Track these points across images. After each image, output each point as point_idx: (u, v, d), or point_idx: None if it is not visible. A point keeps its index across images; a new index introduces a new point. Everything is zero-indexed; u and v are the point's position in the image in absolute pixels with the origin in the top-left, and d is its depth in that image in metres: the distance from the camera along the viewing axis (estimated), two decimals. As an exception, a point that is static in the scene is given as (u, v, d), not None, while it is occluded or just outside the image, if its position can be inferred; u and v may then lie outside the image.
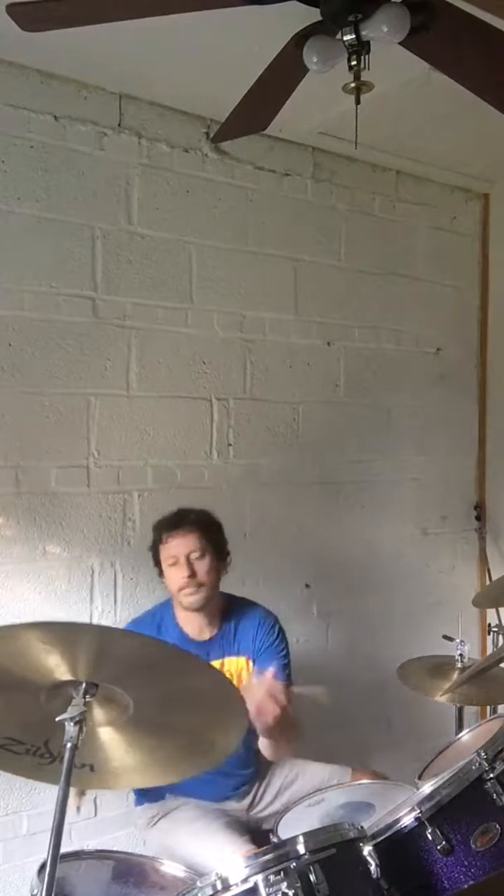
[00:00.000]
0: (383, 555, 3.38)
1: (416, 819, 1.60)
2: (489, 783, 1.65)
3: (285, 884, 1.42)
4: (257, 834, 2.25)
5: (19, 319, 2.51)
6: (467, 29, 1.62)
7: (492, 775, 1.65)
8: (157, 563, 2.35)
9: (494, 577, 3.44)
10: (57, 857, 1.32)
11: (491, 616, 3.40)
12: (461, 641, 2.54)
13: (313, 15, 1.58)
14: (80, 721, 1.38)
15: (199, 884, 1.49)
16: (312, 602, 3.16)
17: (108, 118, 2.67)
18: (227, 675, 2.22)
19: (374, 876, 1.50)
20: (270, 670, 2.06)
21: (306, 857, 1.46)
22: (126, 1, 1.62)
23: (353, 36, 1.54)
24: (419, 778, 2.16)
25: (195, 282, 2.87)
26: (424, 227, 3.52)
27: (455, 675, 2.44)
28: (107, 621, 2.64)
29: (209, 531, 2.33)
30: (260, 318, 3.03)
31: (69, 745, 1.36)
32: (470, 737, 2.33)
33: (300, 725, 2.15)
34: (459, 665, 2.50)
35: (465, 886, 1.55)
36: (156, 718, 1.50)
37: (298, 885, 1.42)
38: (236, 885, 1.44)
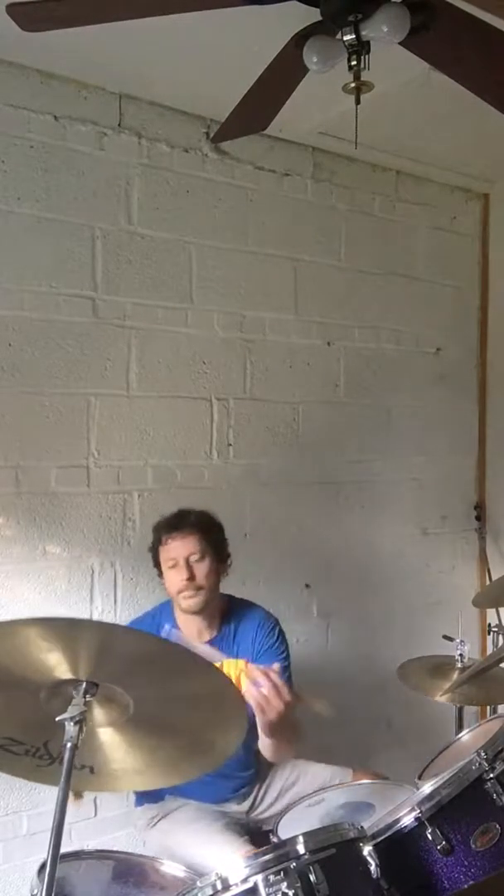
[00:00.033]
0: (383, 555, 3.38)
1: (416, 819, 1.60)
2: (489, 783, 1.65)
3: (285, 884, 1.41)
4: (257, 835, 2.25)
5: (19, 319, 2.51)
6: (467, 29, 1.62)
7: (492, 775, 1.65)
8: (157, 564, 2.34)
9: (494, 577, 3.44)
10: (57, 857, 1.32)
11: (491, 616, 3.40)
12: (461, 641, 2.54)
13: (313, 15, 1.58)
14: (81, 721, 1.37)
15: (199, 884, 1.49)
16: (312, 602, 3.16)
17: (108, 118, 2.67)
18: (227, 676, 2.22)
19: (374, 876, 1.50)
20: (275, 665, 2.05)
21: (306, 857, 1.46)
22: (126, 1, 1.62)
23: (353, 36, 1.54)
24: (419, 778, 2.16)
25: (195, 282, 2.87)
26: (424, 227, 3.52)
27: (455, 675, 2.44)
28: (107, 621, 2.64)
29: (209, 533, 2.31)
30: (260, 318, 3.03)
31: (69, 744, 1.36)
32: (470, 737, 2.33)
33: (301, 726, 2.15)
34: (459, 665, 2.50)
35: (465, 886, 1.55)
36: (156, 718, 1.50)
37: (298, 885, 1.42)
38: (236, 885, 1.44)
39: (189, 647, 1.73)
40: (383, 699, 3.11)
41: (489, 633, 3.38)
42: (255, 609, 2.41)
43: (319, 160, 3.18)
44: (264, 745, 2.16)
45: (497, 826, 1.60)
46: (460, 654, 2.52)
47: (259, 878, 1.43)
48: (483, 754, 1.67)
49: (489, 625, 3.37)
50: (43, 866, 1.37)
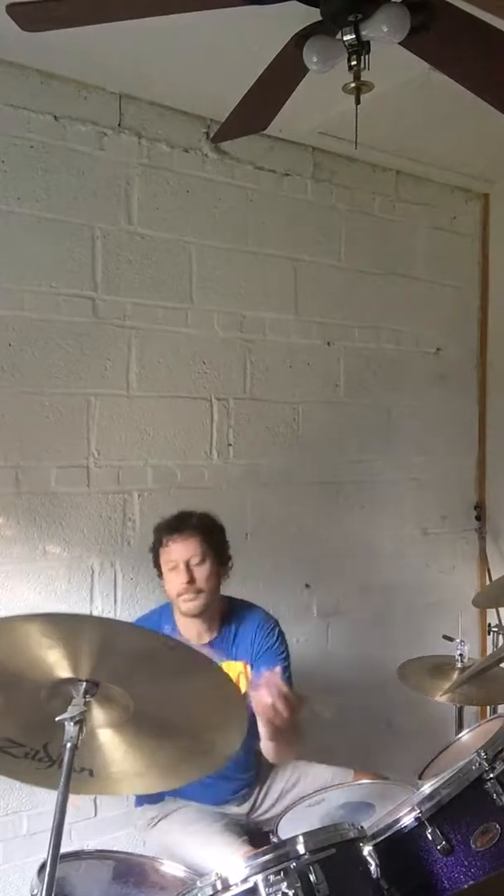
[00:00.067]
0: (383, 555, 3.38)
1: (416, 819, 1.60)
2: (489, 783, 1.65)
3: (285, 884, 1.42)
4: (257, 836, 2.24)
5: (19, 319, 2.51)
6: (467, 29, 1.62)
7: (492, 775, 1.65)
8: (157, 565, 2.34)
9: (494, 577, 3.44)
10: (57, 857, 1.32)
11: (491, 616, 3.41)
12: (461, 641, 2.54)
13: (313, 15, 1.58)
14: (81, 721, 1.37)
15: (199, 884, 1.50)
16: (312, 602, 3.16)
17: (108, 118, 2.67)
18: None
19: (374, 876, 1.50)
20: (277, 670, 2.05)
21: (306, 857, 1.46)
22: (126, 1, 1.62)
23: (353, 36, 1.53)
24: (419, 778, 2.16)
25: (195, 282, 2.87)
26: (424, 227, 3.52)
27: (455, 675, 2.44)
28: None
29: (210, 535, 2.29)
30: (260, 318, 3.03)
31: (69, 745, 1.36)
32: (470, 737, 2.33)
33: (302, 727, 2.15)
34: (459, 665, 2.50)
35: (465, 886, 1.55)
36: (156, 719, 1.50)
37: (298, 885, 1.42)
38: (236, 885, 1.44)
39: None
40: (383, 699, 3.11)
41: (489, 633, 3.38)
42: (255, 610, 2.41)
43: (319, 160, 3.18)
44: (266, 747, 2.16)
45: (497, 826, 1.60)
46: (460, 654, 2.52)
47: (259, 878, 1.43)
48: (483, 754, 1.67)
49: (489, 625, 3.38)
50: (43, 866, 1.37)
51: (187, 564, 2.24)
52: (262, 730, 2.03)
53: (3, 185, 2.48)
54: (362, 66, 1.58)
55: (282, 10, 1.55)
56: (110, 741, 1.52)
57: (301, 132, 3.00)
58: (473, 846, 1.58)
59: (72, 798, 1.54)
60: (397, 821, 1.61)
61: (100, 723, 1.50)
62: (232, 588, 2.43)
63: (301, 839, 1.49)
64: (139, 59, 2.47)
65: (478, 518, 3.68)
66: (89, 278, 2.64)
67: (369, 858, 1.51)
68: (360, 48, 1.55)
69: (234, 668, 2.30)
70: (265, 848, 1.54)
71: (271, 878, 1.43)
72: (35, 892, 1.65)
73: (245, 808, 2.36)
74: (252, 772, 2.37)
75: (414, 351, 3.49)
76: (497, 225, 3.70)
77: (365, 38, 1.54)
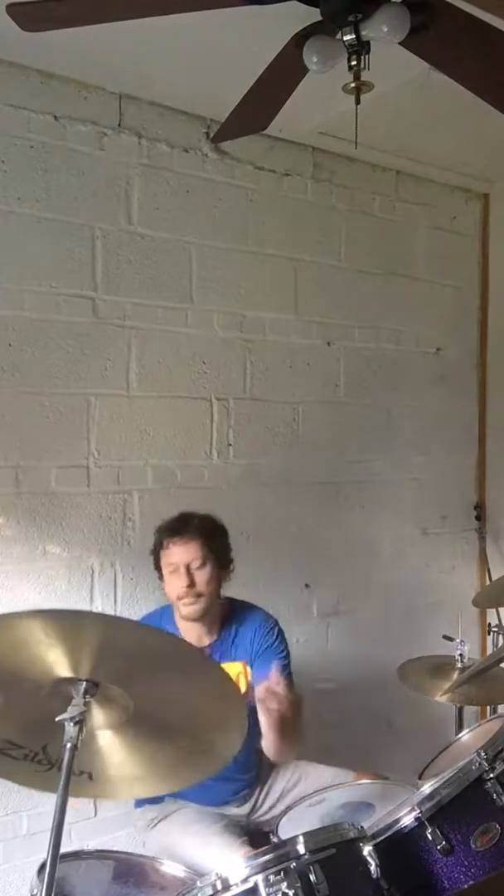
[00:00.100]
0: (383, 555, 3.38)
1: (416, 819, 1.60)
2: (489, 783, 1.65)
3: (285, 884, 1.42)
4: (258, 836, 2.24)
5: (19, 319, 2.51)
6: (467, 29, 1.61)
7: (492, 775, 1.65)
8: (158, 567, 2.32)
9: (494, 577, 3.44)
10: (57, 857, 1.32)
11: (491, 616, 3.41)
12: (461, 641, 2.54)
13: (313, 15, 1.58)
14: (80, 721, 1.37)
15: (199, 884, 1.50)
16: (312, 602, 3.16)
17: (108, 118, 2.67)
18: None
19: (374, 876, 1.50)
20: (274, 672, 2.04)
21: (306, 857, 1.46)
22: (126, 1, 1.62)
23: (353, 36, 1.53)
24: (419, 778, 2.16)
25: (195, 282, 2.87)
26: (424, 227, 3.52)
27: (455, 675, 2.44)
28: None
29: (212, 538, 2.27)
30: (260, 318, 3.03)
31: (69, 745, 1.36)
32: (470, 737, 2.33)
33: (303, 725, 2.15)
34: (459, 665, 2.50)
35: (465, 886, 1.55)
36: (155, 719, 1.50)
37: (298, 885, 1.42)
38: (236, 885, 1.45)
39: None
40: (383, 699, 3.10)
41: (489, 633, 3.38)
42: (255, 611, 2.40)
43: (319, 160, 3.18)
44: (268, 743, 2.16)
45: (497, 826, 1.60)
46: (460, 654, 2.52)
47: (259, 878, 1.43)
48: (483, 754, 1.67)
49: (489, 625, 3.38)
50: (43, 866, 1.37)
51: (188, 568, 2.22)
52: (263, 720, 2.02)
53: (3, 185, 2.48)
54: (362, 66, 1.58)
55: (282, 10, 1.55)
56: (109, 743, 1.52)
57: (301, 132, 3.00)
58: (473, 846, 1.58)
59: (71, 801, 1.54)
60: (397, 821, 1.62)
61: (99, 724, 1.50)
62: (232, 588, 2.43)
63: (301, 839, 1.49)
64: (139, 59, 2.47)
65: (478, 518, 3.68)
66: (89, 278, 2.64)
67: (369, 858, 1.52)
68: (360, 48, 1.55)
69: (234, 669, 2.29)
70: (265, 848, 1.54)
71: (271, 878, 1.43)
72: (35, 892, 1.65)
73: (245, 809, 2.36)
74: (252, 773, 2.36)
75: (414, 351, 3.49)
76: (497, 225, 3.70)
77: (365, 38, 1.54)
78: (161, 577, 2.32)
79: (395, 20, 1.51)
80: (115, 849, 1.99)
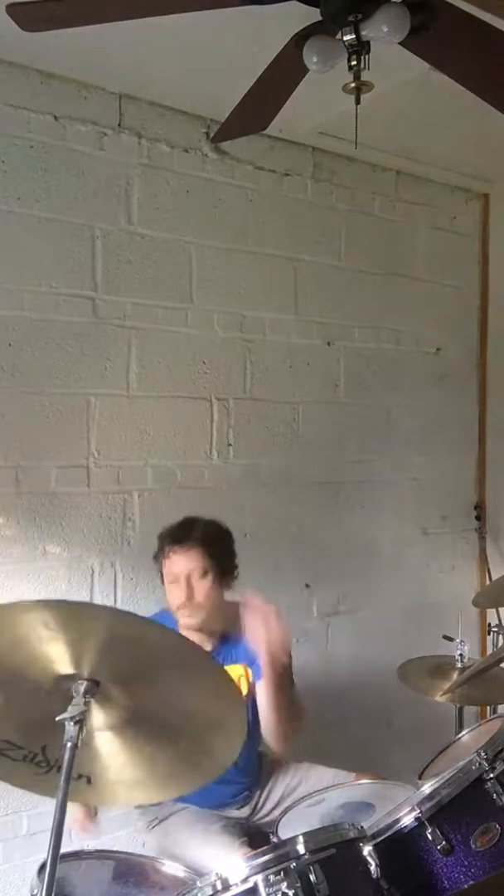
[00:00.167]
0: (383, 555, 3.38)
1: (416, 819, 1.60)
2: (489, 783, 1.65)
3: (285, 884, 1.42)
4: (258, 837, 2.24)
5: (19, 319, 2.51)
6: (467, 29, 1.61)
7: (492, 775, 1.65)
8: (161, 573, 2.29)
9: (494, 577, 3.44)
10: (57, 857, 1.31)
11: (491, 616, 3.41)
12: (461, 641, 2.54)
13: (313, 15, 1.58)
14: (81, 721, 1.37)
15: (199, 884, 1.49)
16: (312, 602, 3.16)
17: (108, 118, 2.67)
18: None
19: (374, 876, 1.50)
20: (267, 603, 2.05)
21: (306, 857, 1.46)
22: (126, 1, 1.62)
23: (353, 36, 1.53)
24: (419, 778, 2.16)
25: (195, 282, 2.87)
26: (424, 227, 3.52)
27: (455, 675, 2.44)
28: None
29: (214, 546, 2.22)
30: (260, 318, 3.03)
31: (69, 744, 1.35)
32: (470, 737, 2.33)
33: (304, 711, 2.13)
34: (459, 665, 2.50)
35: (465, 886, 1.55)
36: (155, 720, 1.50)
37: (298, 885, 1.42)
38: (236, 885, 1.44)
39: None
40: (383, 699, 3.10)
41: (489, 633, 3.38)
42: (255, 612, 2.39)
43: (319, 160, 3.18)
44: (268, 725, 2.14)
45: (497, 826, 1.60)
46: (460, 654, 2.53)
47: (259, 878, 1.43)
48: (483, 754, 1.67)
49: (489, 625, 3.38)
50: (43, 866, 1.37)
51: (188, 579, 2.18)
52: (264, 695, 2.00)
53: (3, 185, 2.48)
54: (362, 66, 1.58)
55: (282, 10, 1.55)
56: (109, 746, 1.51)
57: (301, 132, 3.00)
58: (473, 846, 1.58)
59: (80, 820, 1.51)
60: (397, 821, 1.61)
61: (99, 725, 1.49)
62: (232, 588, 2.43)
63: (301, 839, 1.49)
64: (139, 59, 2.47)
65: (478, 518, 3.68)
66: (89, 278, 2.64)
67: (369, 858, 1.51)
68: (360, 48, 1.55)
69: (235, 671, 2.29)
70: (265, 848, 1.53)
71: (271, 878, 1.43)
72: (35, 892, 1.65)
73: (246, 811, 2.35)
74: (253, 776, 2.36)
75: (414, 351, 3.49)
76: (497, 225, 3.70)
77: (365, 38, 1.54)
78: (163, 582, 2.30)
79: (395, 20, 1.51)
80: (115, 849, 1.99)
